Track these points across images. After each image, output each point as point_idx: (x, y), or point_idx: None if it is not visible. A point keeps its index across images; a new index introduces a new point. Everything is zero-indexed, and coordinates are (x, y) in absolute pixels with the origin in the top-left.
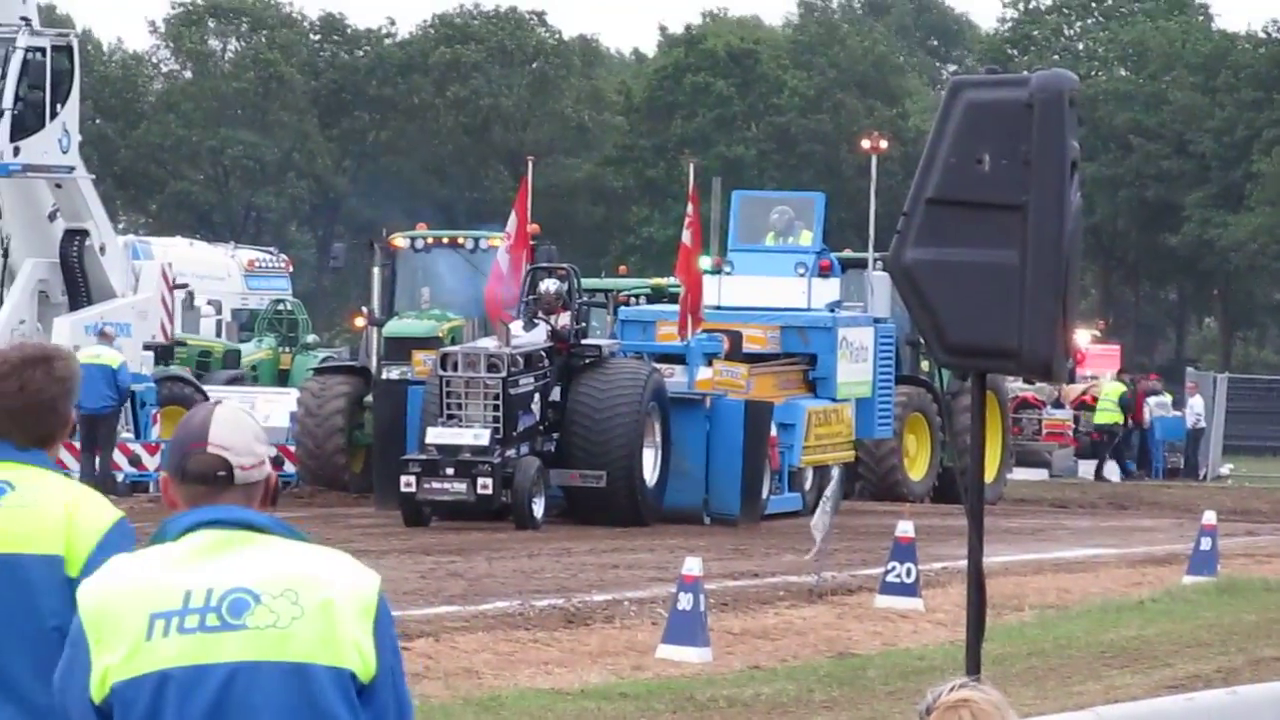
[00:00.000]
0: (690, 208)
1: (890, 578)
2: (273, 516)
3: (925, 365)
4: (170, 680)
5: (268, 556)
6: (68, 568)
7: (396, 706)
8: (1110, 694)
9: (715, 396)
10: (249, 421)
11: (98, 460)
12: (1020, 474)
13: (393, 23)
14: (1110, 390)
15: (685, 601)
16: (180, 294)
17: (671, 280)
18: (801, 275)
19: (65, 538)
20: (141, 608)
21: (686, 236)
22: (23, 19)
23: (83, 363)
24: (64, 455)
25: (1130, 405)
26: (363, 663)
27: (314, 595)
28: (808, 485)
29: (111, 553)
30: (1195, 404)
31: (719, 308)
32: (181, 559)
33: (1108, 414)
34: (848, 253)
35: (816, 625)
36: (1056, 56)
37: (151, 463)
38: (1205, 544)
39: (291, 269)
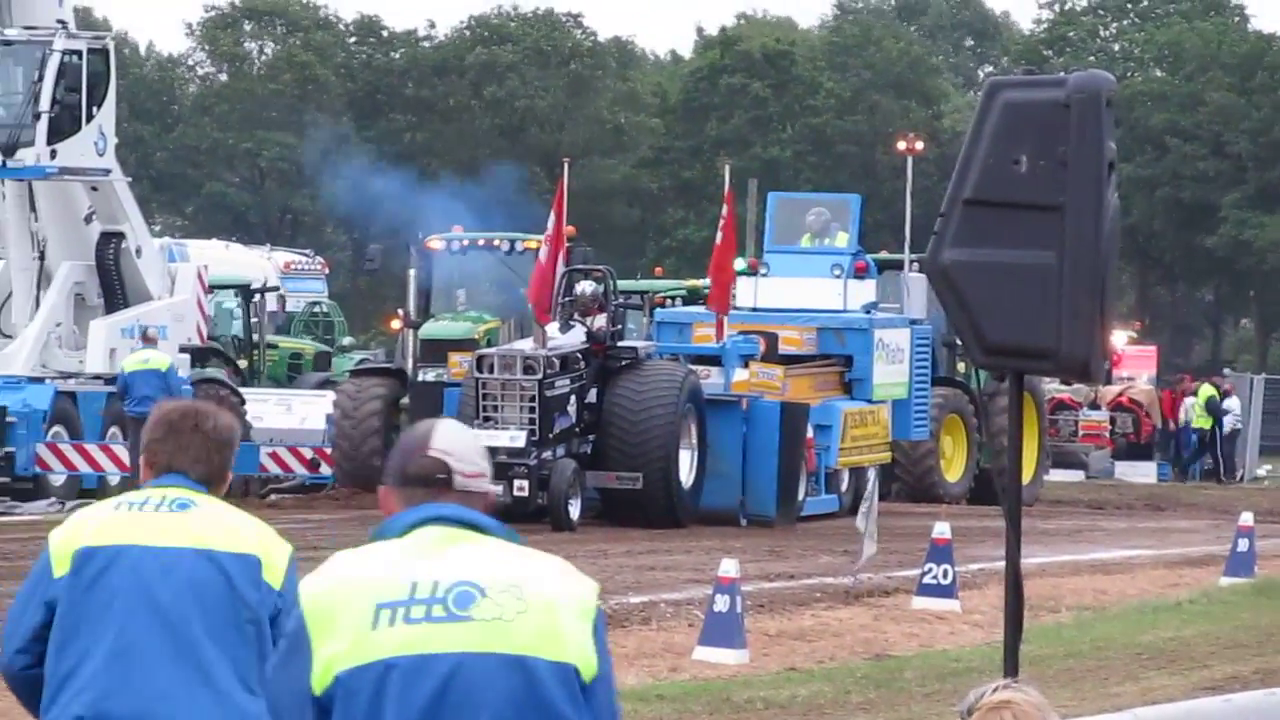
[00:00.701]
0: (725, 209)
1: (927, 579)
2: (494, 519)
3: (962, 366)
4: (395, 669)
5: (491, 554)
6: (265, 572)
7: (611, 712)
8: (1147, 695)
9: (751, 398)
10: (471, 436)
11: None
12: (1057, 475)
13: (432, 25)
14: (1201, 393)
15: (722, 603)
16: (272, 297)
17: (707, 282)
18: (837, 276)
19: (262, 545)
20: (367, 598)
21: (719, 237)
22: (59, 22)
23: (132, 369)
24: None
25: (1218, 408)
26: (585, 661)
27: (537, 593)
28: (844, 487)
29: (295, 576)
30: (1231, 405)
31: (755, 309)
32: (407, 552)
33: (1200, 418)
34: (884, 254)
35: (853, 627)
36: (1092, 57)
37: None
38: (1242, 545)
39: (327, 271)
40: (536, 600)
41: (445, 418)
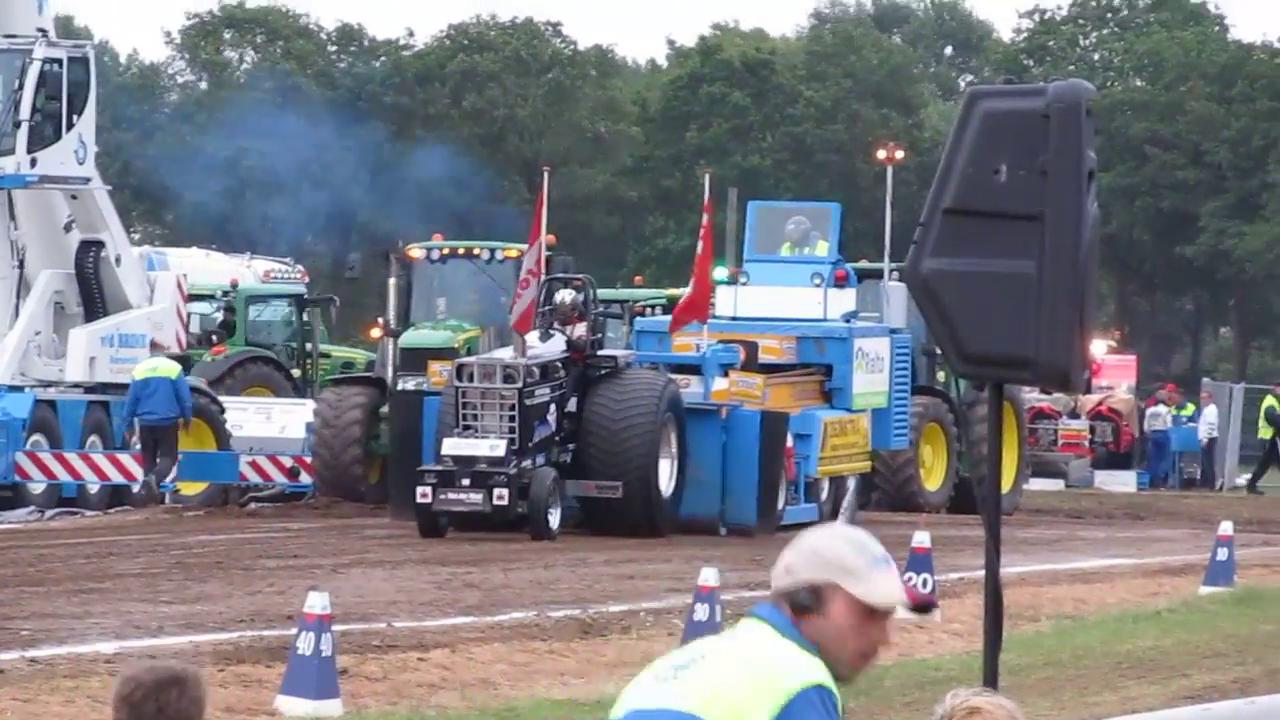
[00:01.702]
0: (705, 218)
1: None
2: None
3: (941, 375)
4: None
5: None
6: None
7: None
8: (1127, 704)
9: (731, 407)
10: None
11: (159, 464)
12: (1036, 484)
13: (411, 33)
14: (1266, 404)
15: (702, 612)
16: (334, 304)
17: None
18: (817, 285)
19: None
20: None
21: (700, 247)
22: (39, 30)
23: (143, 376)
24: (131, 466)
25: (1276, 418)
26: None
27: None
28: (824, 496)
29: None
30: (1209, 414)
31: (735, 318)
32: None
33: (1264, 429)
34: (864, 263)
35: None
36: (1072, 66)
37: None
38: (1222, 554)
39: (307, 279)
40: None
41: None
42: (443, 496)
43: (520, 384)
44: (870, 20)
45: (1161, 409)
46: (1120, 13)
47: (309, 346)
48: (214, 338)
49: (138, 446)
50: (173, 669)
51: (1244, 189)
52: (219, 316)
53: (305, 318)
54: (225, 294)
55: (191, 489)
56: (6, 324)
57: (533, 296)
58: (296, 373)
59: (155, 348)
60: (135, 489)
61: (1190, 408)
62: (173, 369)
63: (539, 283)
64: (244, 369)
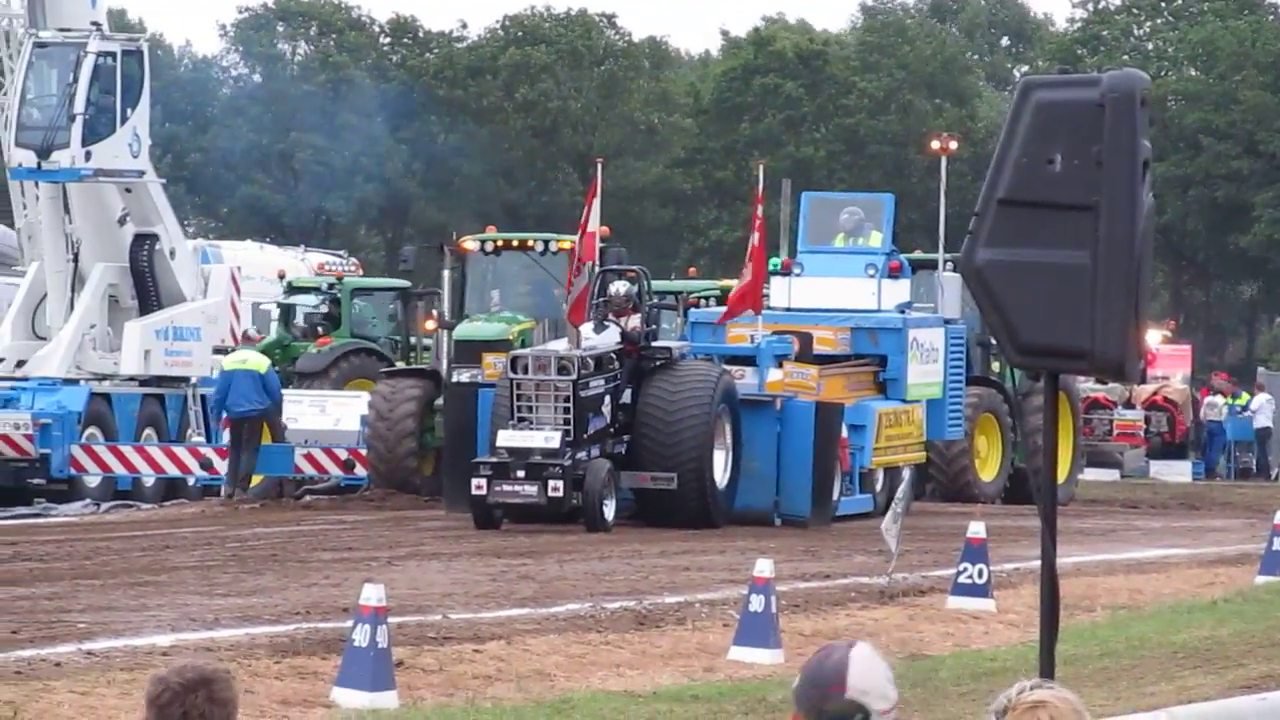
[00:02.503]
0: (758, 209)
1: (962, 579)
2: None
3: (996, 366)
4: None
5: None
6: None
7: None
8: (1183, 694)
9: (785, 398)
10: (882, 663)
11: (243, 460)
12: (1091, 474)
13: (464, 25)
14: None
15: (757, 603)
16: (438, 297)
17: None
18: (871, 276)
19: None
20: None
21: (755, 239)
22: (93, 24)
23: (232, 368)
24: (187, 459)
25: None
26: None
27: None
28: (878, 486)
29: None
30: (1260, 403)
31: (789, 309)
32: None
33: None
34: (917, 253)
35: (888, 626)
36: (1126, 56)
37: (221, 466)
38: (1277, 544)
39: (361, 272)
40: None
41: (856, 643)
42: (497, 488)
43: (574, 376)
44: (925, 11)
45: (1218, 399)
46: (1174, 2)
47: (412, 339)
48: (319, 330)
49: (226, 438)
50: (202, 671)
51: None
52: (324, 309)
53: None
54: (331, 286)
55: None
56: (62, 318)
57: (584, 284)
58: (400, 365)
59: (248, 340)
60: (191, 482)
61: (1245, 397)
62: (261, 362)
63: (590, 268)
64: (348, 361)
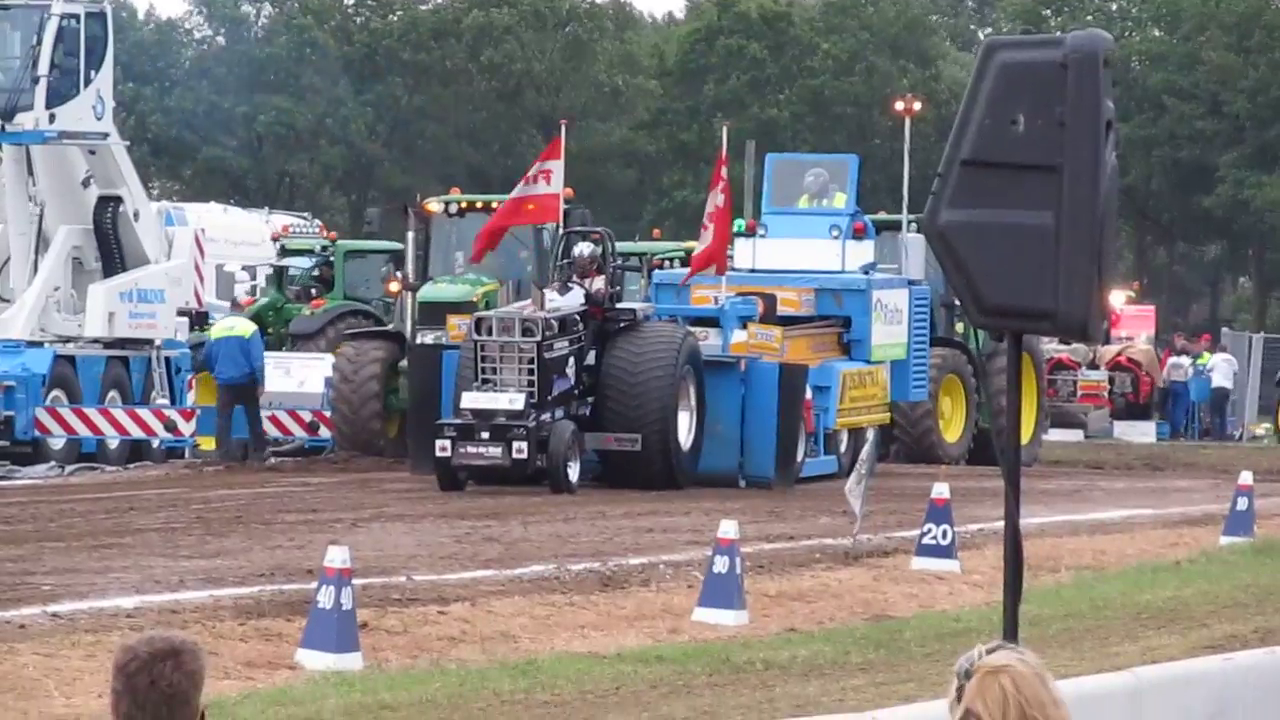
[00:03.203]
0: (722, 171)
1: (926, 540)
2: None
3: (960, 327)
4: None
5: None
6: None
7: None
8: (1147, 655)
9: (750, 360)
10: None
11: (245, 426)
12: (1055, 435)
13: None
14: None
15: (721, 564)
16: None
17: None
18: (835, 238)
19: None
20: None
21: (720, 200)
22: None
23: (218, 336)
24: (150, 420)
25: None
26: None
27: None
28: (843, 448)
29: None
30: (1216, 362)
31: (753, 270)
32: None
33: None
34: (882, 215)
35: (852, 588)
36: (1090, 17)
37: (187, 428)
38: (1242, 504)
39: (326, 234)
40: None
41: None
42: (462, 450)
43: (539, 337)
44: None
45: (1184, 359)
46: None
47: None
48: (312, 292)
49: (191, 399)
50: (171, 641)
51: (1262, 139)
52: (317, 272)
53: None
54: (324, 249)
55: (210, 443)
56: (25, 280)
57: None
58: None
59: (237, 306)
60: (155, 444)
61: (1206, 357)
62: (247, 328)
63: (553, 230)
64: (343, 322)
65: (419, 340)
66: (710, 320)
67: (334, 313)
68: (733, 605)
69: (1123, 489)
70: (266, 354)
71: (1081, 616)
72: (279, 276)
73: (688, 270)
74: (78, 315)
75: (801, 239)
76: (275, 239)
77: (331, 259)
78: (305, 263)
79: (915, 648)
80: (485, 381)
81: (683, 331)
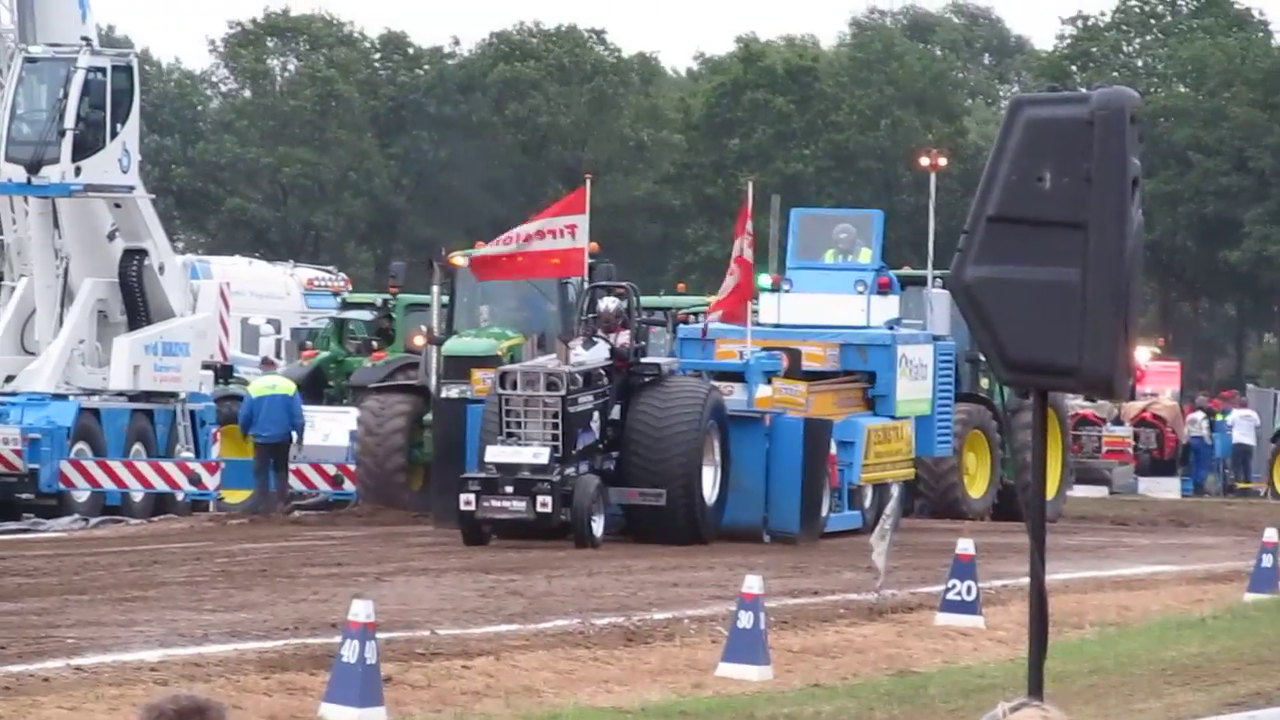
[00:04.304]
0: (748, 224)
1: (951, 595)
2: None
3: (985, 382)
4: None
5: None
6: None
7: None
8: (1172, 711)
9: (774, 414)
10: None
11: (273, 480)
12: (1080, 491)
13: (456, 41)
14: None
15: (745, 619)
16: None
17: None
18: (860, 292)
19: None
20: None
21: (747, 252)
22: (83, 39)
23: (259, 394)
24: (175, 474)
25: None
26: None
27: None
28: (867, 503)
29: None
30: (1236, 418)
31: (778, 325)
32: None
33: None
34: (906, 270)
35: (877, 643)
36: (1115, 73)
37: (211, 482)
38: (1267, 561)
39: (350, 287)
40: None
41: None
42: (486, 504)
43: (564, 391)
44: (904, 30)
45: (1199, 415)
46: (1164, 19)
47: None
48: (373, 344)
49: (216, 452)
50: (195, 700)
51: None
52: (374, 324)
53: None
54: (385, 302)
55: (235, 497)
56: (51, 333)
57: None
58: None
59: (268, 365)
60: (179, 497)
61: (1220, 415)
62: (289, 387)
63: (579, 284)
64: (402, 374)
65: (444, 394)
66: (735, 375)
67: (395, 364)
68: (757, 660)
69: (1147, 545)
70: (323, 408)
71: (1106, 672)
72: (339, 330)
73: (714, 325)
74: (103, 368)
75: (826, 294)
76: (336, 293)
77: (393, 312)
78: (366, 316)
79: (939, 703)
80: (510, 435)
81: (707, 386)
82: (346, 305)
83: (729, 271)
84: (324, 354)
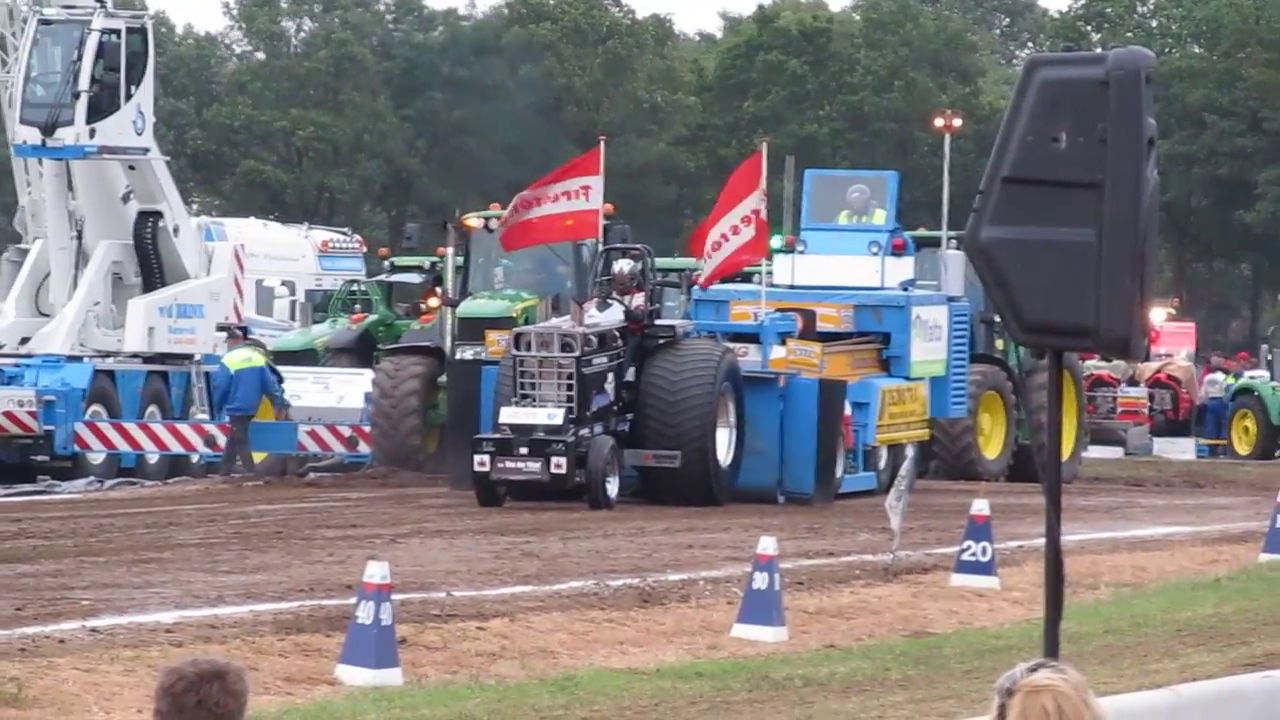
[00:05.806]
0: (762, 181)
1: (966, 556)
2: None
3: (1000, 343)
4: None
5: None
6: None
7: None
8: (1187, 672)
9: (789, 376)
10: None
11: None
12: (1095, 452)
13: (472, 3)
14: None
15: (760, 581)
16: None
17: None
18: (875, 254)
19: None
20: None
21: (761, 203)
22: (97, 1)
23: (238, 368)
24: (191, 436)
25: None
26: None
27: None
28: (882, 464)
29: None
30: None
31: (793, 286)
32: None
33: None
34: (921, 231)
35: (892, 604)
36: (1130, 34)
37: (224, 442)
38: None
39: (365, 249)
40: None
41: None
42: (500, 465)
43: (578, 353)
44: None
45: (1219, 376)
46: None
47: None
48: (421, 307)
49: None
50: (215, 663)
51: None
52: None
53: None
54: (434, 265)
55: (259, 456)
56: (65, 295)
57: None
58: None
59: (233, 340)
60: (194, 459)
61: (1233, 378)
62: (261, 359)
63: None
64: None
65: (458, 355)
66: (750, 336)
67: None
68: (772, 621)
69: (1162, 506)
70: (297, 369)
71: (1121, 633)
72: (388, 293)
73: (727, 287)
74: (117, 330)
75: (841, 255)
76: (383, 256)
77: (441, 275)
78: (415, 279)
79: (955, 664)
80: (524, 397)
81: (722, 348)
82: (395, 269)
83: (733, 230)
84: (373, 317)
